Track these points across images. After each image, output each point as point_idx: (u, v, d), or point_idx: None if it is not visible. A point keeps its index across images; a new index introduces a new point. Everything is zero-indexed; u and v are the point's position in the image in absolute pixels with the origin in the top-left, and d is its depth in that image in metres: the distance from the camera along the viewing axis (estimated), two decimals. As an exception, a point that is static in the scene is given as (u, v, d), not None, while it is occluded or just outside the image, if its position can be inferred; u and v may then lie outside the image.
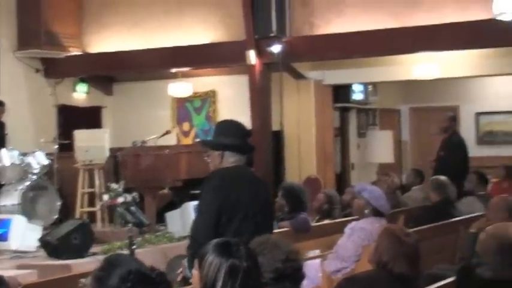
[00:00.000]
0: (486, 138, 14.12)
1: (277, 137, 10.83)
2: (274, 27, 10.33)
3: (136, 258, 2.63)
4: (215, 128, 4.62)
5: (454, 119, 10.12)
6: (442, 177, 7.37)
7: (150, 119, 12.08)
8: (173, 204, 8.61)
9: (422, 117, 14.50)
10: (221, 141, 4.32)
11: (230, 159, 4.30)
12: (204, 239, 3.73)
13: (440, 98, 14.02)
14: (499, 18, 8.40)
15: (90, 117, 12.23)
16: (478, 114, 14.18)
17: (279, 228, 6.50)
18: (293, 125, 11.41)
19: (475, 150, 12.03)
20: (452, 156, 9.47)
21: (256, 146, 10.41)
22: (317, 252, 5.94)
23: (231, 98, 11.90)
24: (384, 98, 13.76)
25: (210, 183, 4.27)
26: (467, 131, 12.88)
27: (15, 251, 7.45)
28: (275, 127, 10.81)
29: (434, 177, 7.58)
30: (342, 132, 13.04)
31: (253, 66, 10.57)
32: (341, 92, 12.46)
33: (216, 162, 4.32)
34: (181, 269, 4.31)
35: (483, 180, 8.50)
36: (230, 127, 4.43)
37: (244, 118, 10.50)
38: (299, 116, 11.60)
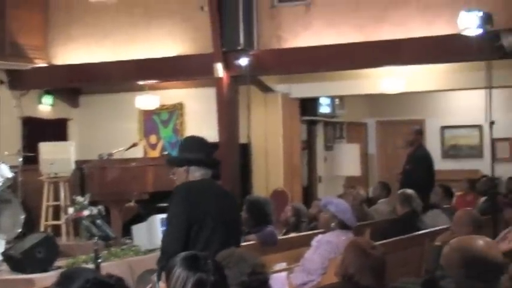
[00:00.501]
0: (451, 151, 14.26)
1: (245, 150, 10.81)
2: (241, 40, 10.34)
3: (93, 269, 2.60)
4: (179, 145, 4.68)
5: (419, 132, 10.17)
6: (409, 191, 7.41)
7: (116, 131, 12.00)
8: (140, 217, 8.52)
9: (389, 131, 14.56)
10: (185, 156, 4.37)
11: (196, 174, 4.34)
12: (174, 252, 3.72)
13: (406, 111, 14.11)
14: (464, 33, 8.62)
15: (56, 130, 12.13)
16: (443, 128, 14.30)
17: (246, 241, 6.45)
18: (260, 138, 11.41)
19: (440, 164, 12.10)
20: (418, 170, 9.50)
21: (223, 159, 10.33)
22: (284, 265, 5.93)
23: (198, 110, 11.88)
24: (350, 112, 13.80)
25: (177, 196, 4.27)
26: (433, 145, 12.94)
27: (-22, 265, 7.33)
28: (242, 140, 10.78)
29: (401, 190, 7.61)
30: (309, 145, 13.07)
31: (220, 79, 10.58)
32: (308, 105, 12.49)
33: (182, 178, 4.36)
34: (150, 285, 4.32)
35: (448, 194, 8.56)
36: (193, 142, 4.49)
37: (212, 131, 10.54)
38: (266, 129, 11.62)
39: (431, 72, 10.95)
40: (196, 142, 4.49)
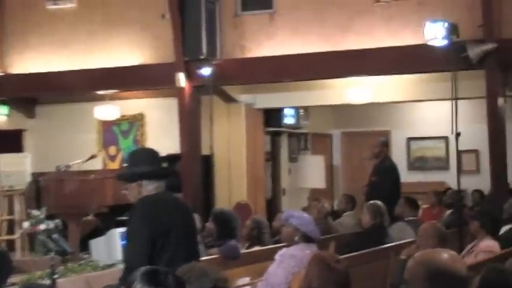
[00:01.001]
0: (417, 163, 14.42)
1: (207, 162, 10.74)
2: (204, 49, 10.33)
3: (49, 285, 2.56)
4: (127, 160, 4.61)
5: (385, 144, 10.24)
6: (378, 203, 7.47)
7: (74, 142, 11.91)
8: (98, 231, 8.41)
9: (354, 142, 14.64)
10: (135, 171, 4.32)
11: (149, 188, 4.30)
12: (138, 267, 3.70)
13: (372, 122, 14.21)
14: (430, 43, 8.69)
15: (11, 141, 12.01)
16: (409, 139, 14.41)
17: (208, 255, 6.47)
18: (223, 149, 11.40)
19: (406, 176, 12.25)
20: (384, 182, 9.59)
21: (185, 170, 10.44)
22: (247, 279, 5.91)
23: (159, 121, 11.86)
24: (315, 123, 13.85)
25: (137, 212, 4.26)
26: (399, 156, 13.01)
27: None
28: (205, 151, 10.75)
29: (370, 202, 7.66)
30: (273, 157, 13.07)
31: (182, 89, 10.56)
32: (272, 116, 12.52)
33: (134, 193, 4.32)
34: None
35: (414, 206, 8.57)
36: (141, 155, 4.46)
37: (173, 142, 10.53)
38: (229, 140, 11.62)
39: (397, 82, 11.01)
40: (146, 154, 4.45)
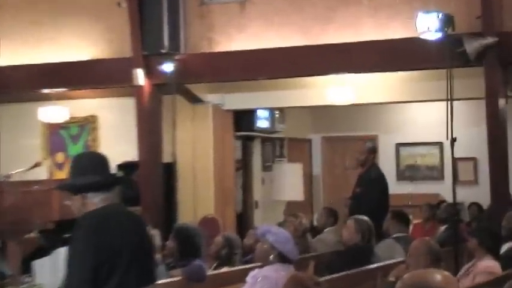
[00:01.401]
0: (408, 172, 14.52)
1: (169, 170, 10.72)
2: (166, 42, 10.30)
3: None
4: (70, 167, 4.42)
5: (372, 150, 10.29)
6: (363, 217, 7.55)
7: (16, 148, 11.88)
8: (43, 251, 8.29)
9: (337, 149, 14.80)
10: (78, 182, 4.18)
11: (95, 200, 4.17)
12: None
13: (356, 126, 14.35)
14: (422, 36, 8.66)
15: None
16: (399, 145, 14.51)
17: (170, 276, 6.45)
18: (188, 156, 11.44)
19: (395, 187, 12.28)
20: (370, 193, 9.70)
21: (143, 180, 10.48)
22: (214, 305, 5.81)
23: (114, 124, 11.86)
24: (293, 126, 13.96)
25: (81, 230, 4.12)
26: (387, 165, 13.12)
27: None
28: (166, 159, 10.74)
29: (355, 216, 7.71)
30: (244, 165, 13.16)
31: (141, 87, 10.53)
32: (244, 118, 12.58)
33: (78, 206, 4.21)
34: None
35: (403, 221, 8.59)
36: (86, 161, 4.31)
37: (130, 148, 10.55)
38: (195, 145, 11.66)
39: (385, 81, 11.04)
40: (91, 160, 4.31)
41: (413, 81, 10.94)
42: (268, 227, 6.00)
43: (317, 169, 15.05)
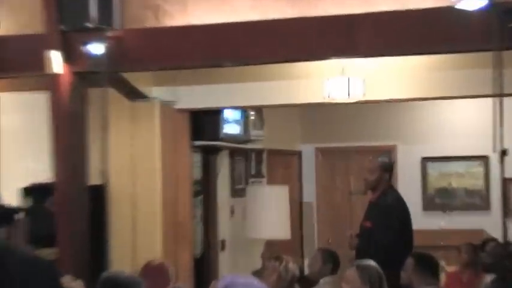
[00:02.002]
0: (439, 199, 14.68)
1: (98, 195, 10.57)
2: (93, 13, 10.01)
3: None
4: None
5: (388, 168, 10.34)
6: (373, 264, 7.62)
7: None
8: None
9: (337, 165, 15.11)
10: None
11: None
12: None
13: (365, 134, 14.66)
14: (458, 5, 8.55)
15: None
16: (426, 160, 14.63)
17: None
18: (124, 175, 11.43)
19: (421, 219, 12.70)
20: (385, 229, 9.77)
21: (61, 209, 10.24)
22: None
23: (19, 129, 11.90)
24: (275, 134, 14.12)
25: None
26: (410, 188, 13.46)
27: None
28: (94, 179, 10.56)
29: (362, 262, 7.80)
30: (206, 189, 13.16)
31: (57, 77, 10.25)
32: (205, 122, 12.58)
33: None
34: None
35: (432, 269, 8.54)
36: None
37: (40, 163, 10.48)
38: (135, 160, 11.63)
39: (404, 70, 11.03)
40: None
41: (445, 69, 10.86)
42: (235, 277, 5.84)
43: (309, 194, 15.30)
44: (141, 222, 11.64)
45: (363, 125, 14.50)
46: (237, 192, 13.82)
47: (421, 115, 14.41)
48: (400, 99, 11.98)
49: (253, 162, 14.26)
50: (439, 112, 14.26)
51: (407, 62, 10.92)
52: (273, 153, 14.56)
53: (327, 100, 11.25)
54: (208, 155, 13.26)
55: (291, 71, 11.29)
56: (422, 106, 13.97)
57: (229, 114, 12.94)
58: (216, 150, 13.28)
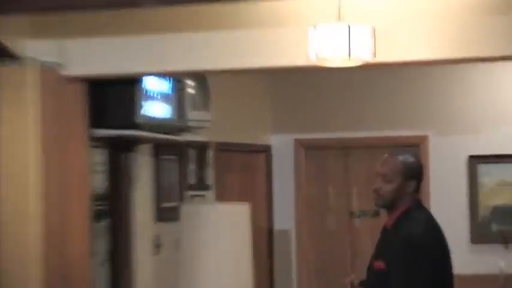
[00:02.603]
0: (497, 224, 14.73)
1: None
2: None
3: None
4: None
5: (412, 172, 9.58)
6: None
7: None
8: None
9: (331, 168, 15.46)
10: None
11: None
12: None
13: (375, 118, 15.09)
14: None
15: None
16: (476, 160, 14.80)
17: None
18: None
19: (466, 258, 13.27)
20: (407, 274, 9.07)
21: None
22: None
23: None
24: (227, 118, 14.36)
25: None
26: (449, 205, 14.05)
27: None
28: None
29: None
30: (113, 208, 12.85)
31: None
32: (113, 99, 12.37)
33: None
34: None
35: None
36: None
37: None
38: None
39: (435, 14, 10.59)
40: None
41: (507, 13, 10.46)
42: None
43: (285, 217, 15.42)
44: (5, 262, 11.23)
45: (372, 105, 14.76)
46: (166, 213, 13.51)
47: (466, 90, 14.65)
48: (427, 60, 11.47)
49: (193, 164, 14.13)
50: (496, 85, 14.49)
51: (442, 4, 10.56)
52: (225, 149, 14.58)
53: (313, 63, 10.67)
54: (119, 152, 12.92)
55: (253, 14, 11.00)
56: (468, 75, 14.34)
57: (152, 85, 12.70)
58: (130, 144, 12.98)
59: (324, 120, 15.13)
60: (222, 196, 14.43)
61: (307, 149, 15.42)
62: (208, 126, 13.75)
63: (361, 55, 10.27)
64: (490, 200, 14.56)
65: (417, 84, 14.69)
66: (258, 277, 13.69)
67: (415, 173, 9.62)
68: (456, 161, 14.71)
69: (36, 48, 11.58)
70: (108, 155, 12.87)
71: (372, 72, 13.13)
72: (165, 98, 12.92)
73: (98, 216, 12.42)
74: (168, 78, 12.84)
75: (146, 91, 12.49)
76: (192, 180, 14.11)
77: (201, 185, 14.25)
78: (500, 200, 14.54)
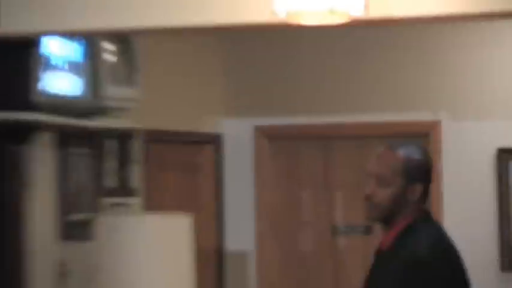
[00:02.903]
0: None
1: None
2: None
3: None
4: None
5: (419, 172, 8.82)
6: None
7: None
8: None
9: (306, 165, 15.45)
10: None
11: None
12: None
13: (367, 97, 15.07)
14: None
15: None
16: (506, 154, 14.59)
17: None
18: None
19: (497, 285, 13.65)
20: None
21: None
22: None
23: None
24: (161, 97, 14.16)
25: None
26: (470, 217, 13.95)
27: None
28: None
29: None
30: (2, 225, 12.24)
31: None
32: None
33: None
34: None
35: None
36: None
37: None
38: None
39: None
40: None
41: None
42: None
43: (241, 233, 15.30)
44: None
45: (362, 79, 14.69)
46: (74, 229, 12.75)
47: (495, 60, 14.43)
48: (438, 16, 10.71)
49: (113, 160, 13.38)
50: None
51: None
52: (157, 139, 14.23)
53: (280, 19, 10.01)
54: (6, 144, 12.22)
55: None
56: (496, 37, 14.09)
57: (55, 51, 12.27)
58: (24, 132, 12.28)
59: (295, 100, 15.03)
60: (154, 205, 13.96)
61: (273, 140, 15.26)
62: (134, 108, 13.24)
63: (348, 8, 9.57)
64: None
65: (426, 50, 14.43)
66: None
67: (422, 174, 8.80)
68: (480, 156, 14.42)
69: None
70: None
71: (363, 33, 13.20)
72: (73, 68, 12.46)
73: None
74: (77, 40, 12.36)
75: (47, 59, 12.03)
76: (111, 182, 13.40)
77: (124, 190, 13.59)
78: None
